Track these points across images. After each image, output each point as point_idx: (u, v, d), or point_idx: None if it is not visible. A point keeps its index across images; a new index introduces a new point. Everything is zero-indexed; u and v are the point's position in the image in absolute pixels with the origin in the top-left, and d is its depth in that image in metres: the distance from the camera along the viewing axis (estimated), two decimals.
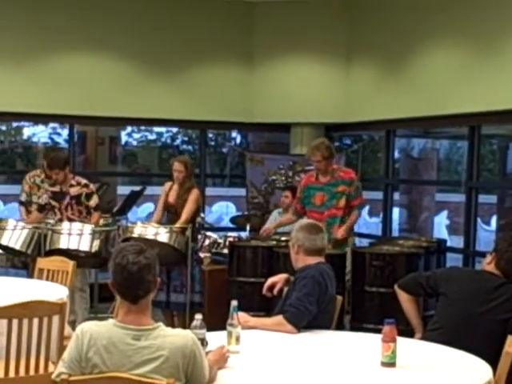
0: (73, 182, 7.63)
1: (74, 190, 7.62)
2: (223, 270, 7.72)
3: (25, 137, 17.87)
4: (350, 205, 7.09)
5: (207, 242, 8.55)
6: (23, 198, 8.46)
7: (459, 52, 7.99)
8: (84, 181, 7.69)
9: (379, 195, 9.94)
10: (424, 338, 4.57)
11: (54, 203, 7.65)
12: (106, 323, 3.16)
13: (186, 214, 7.32)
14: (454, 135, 13.69)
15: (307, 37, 9.72)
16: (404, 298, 4.91)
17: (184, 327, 6.19)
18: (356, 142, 11.08)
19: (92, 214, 7.64)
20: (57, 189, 7.64)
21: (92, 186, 7.72)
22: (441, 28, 8.19)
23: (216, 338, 3.77)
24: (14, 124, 16.80)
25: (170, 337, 3.10)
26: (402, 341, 3.75)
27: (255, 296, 6.66)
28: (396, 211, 11.04)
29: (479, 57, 7.75)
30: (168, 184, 7.60)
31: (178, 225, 7.22)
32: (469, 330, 4.48)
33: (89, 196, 7.63)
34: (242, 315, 4.11)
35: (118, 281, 3.15)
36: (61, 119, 10.17)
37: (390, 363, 3.61)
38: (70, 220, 7.46)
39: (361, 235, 8.72)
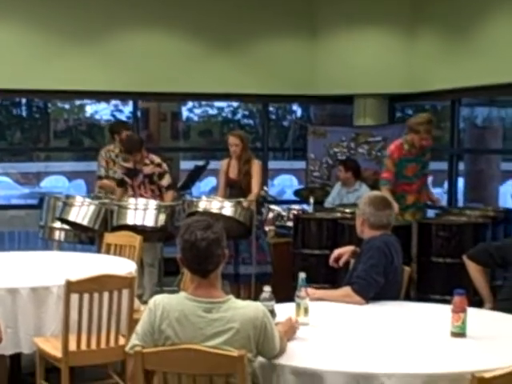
0: (146, 161, 7.61)
1: (147, 169, 7.61)
2: (287, 242, 7.73)
3: (87, 114, 18.11)
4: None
5: (271, 215, 8.57)
6: (102, 172, 8.44)
7: None
8: (157, 160, 7.66)
9: (442, 165, 9.80)
10: (494, 308, 4.53)
11: (126, 179, 7.70)
12: (177, 296, 3.19)
13: (256, 186, 7.33)
14: None
15: (370, 7, 9.54)
16: (473, 269, 4.87)
17: (250, 298, 6.26)
18: (418, 112, 10.93)
19: (165, 194, 7.62)
20: (130, 165, 7.65)
21: (165, 166, 7.67)
22: None
23: (283, 310, 3.78)
24: (77, 102, 17.03)
25: (241, 309, 3.12)
26: (471, 311, 3.71)
27: (320, 268, 6.66)
28: (460, 181, 10.89)
29: None
30: (225, 161, 7.55)
31: (251, 198, 7.20)
32: None
33: (161, 175, 7.62)
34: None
35: (187, 257, 3.17)
36: (123, 96, 10.21)
37: (461, 333, 3.59)
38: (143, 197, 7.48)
39: (426, 206, 8.62)
